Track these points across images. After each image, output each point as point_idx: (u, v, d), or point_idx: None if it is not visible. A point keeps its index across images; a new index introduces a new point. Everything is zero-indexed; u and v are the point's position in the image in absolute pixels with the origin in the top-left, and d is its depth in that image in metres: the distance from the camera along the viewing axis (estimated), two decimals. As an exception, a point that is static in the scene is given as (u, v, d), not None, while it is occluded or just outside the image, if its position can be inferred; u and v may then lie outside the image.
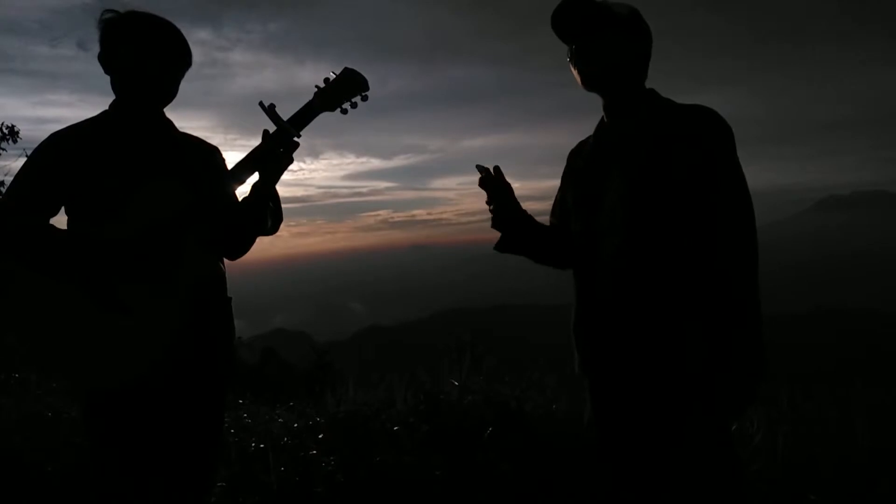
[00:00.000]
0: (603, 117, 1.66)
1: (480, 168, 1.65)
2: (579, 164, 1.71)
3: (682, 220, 1.46)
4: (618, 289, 1.52)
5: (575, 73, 1.59)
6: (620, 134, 1.59)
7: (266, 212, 1.69)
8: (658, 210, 1.47)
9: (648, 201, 1.48)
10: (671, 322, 1.46)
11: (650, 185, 1.47)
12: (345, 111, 1.64)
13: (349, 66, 1.63)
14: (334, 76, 1.62)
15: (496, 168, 1.66)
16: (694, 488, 1.48)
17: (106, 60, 1.60)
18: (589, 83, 1.59)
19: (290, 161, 1.63)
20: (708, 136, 1.47)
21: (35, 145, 1.58)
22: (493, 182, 1.64)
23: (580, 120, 1.75)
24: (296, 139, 1.60)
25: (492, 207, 1.66)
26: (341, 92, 1.62)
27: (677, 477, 1.50)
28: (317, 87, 1.61)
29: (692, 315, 1.45)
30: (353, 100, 1.63)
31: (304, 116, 1.60)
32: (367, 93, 1.64)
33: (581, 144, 1.76)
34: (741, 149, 1.50)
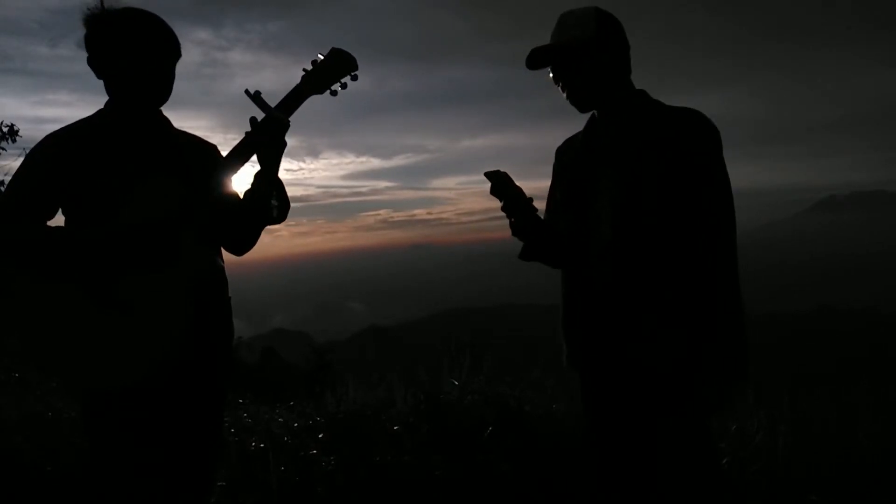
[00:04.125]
0: (594, 114, 1.68)
1: (489, 175, 1.62)
2: (567, 162, 1.73)
3: (668, 220, 1.49)
4: (605, 287, 1.55)
5: (564, 96, 1.63)
6: (611, 134, 1.61)
7: (269, 200, 1.66)
8: (645, 210, 1.50)
9: (636, 201, 1.51)
10: (653, 320, 1.49)
11: (639, 185, 1.50)
12: (334, 93, 1.62)
13: (336, 47, 1.61)
14: (322, 58, 1.60)
15: (504, 174, 1.63)
16: (674, 486, 1.50)
17: (97, 65, 1.58)
18: (583, 109, 1.64)
19: (284, 144, 1.60)
20: (695, 138, 1.50)
21: (30, 149, 1.57)
22: (505, 189, 1.62)
23: (580, 120, 1.75)
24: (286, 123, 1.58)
25: (509, 216, 1.63)
26: (330, 73, 1.59)
27: (659, 472, 1.52)
28: (304, 70, 1.59)
29: (674, 314, 1.48)
30: (343, 80, 1.61)
31: (293, 101, 1.58)
32: (356, 72, 1.62)
33: (569, 141, 1.77)
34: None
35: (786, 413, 3.05)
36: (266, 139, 1.57)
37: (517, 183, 1.62)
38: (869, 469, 2.56)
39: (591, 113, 1.69)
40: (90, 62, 1.58)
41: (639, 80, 1.64)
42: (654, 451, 1.53)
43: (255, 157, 1.60)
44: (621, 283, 1.52)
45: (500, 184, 1.61)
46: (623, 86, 1.61)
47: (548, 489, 2.61)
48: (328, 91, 1.61)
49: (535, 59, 1.59)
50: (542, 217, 1.76)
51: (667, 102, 1.61)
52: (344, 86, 1.62)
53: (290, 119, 1.58)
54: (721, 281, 1.45)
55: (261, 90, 1.56)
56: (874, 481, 2.48)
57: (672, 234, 1.49)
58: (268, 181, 1.62)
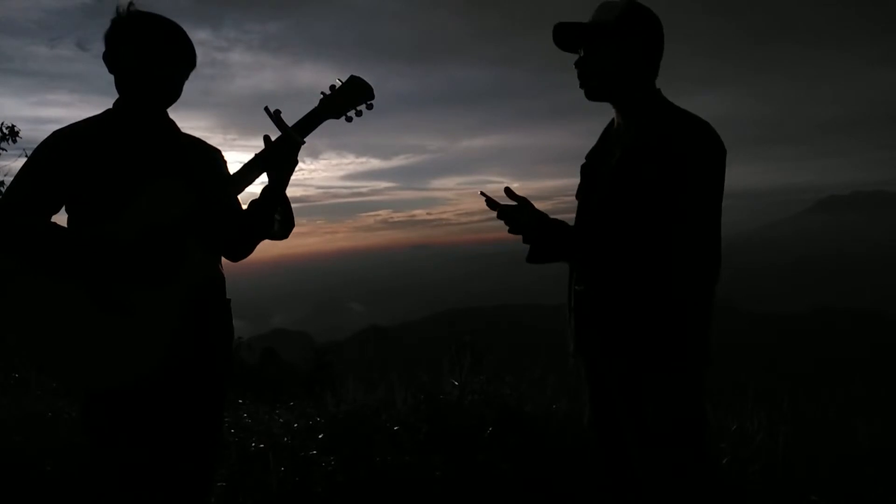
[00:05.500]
0: (613, 119, 1.69)
1: (484, 195, 1.66)
2: (583, 167, 1.77)
3: (649, 221, 1.48)
4: (592, 283, 1.60)
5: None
6: (613, 139, 1.64)
7: (273, 216, 1.69)
8: (627, 211, 1.51)
9: (622, 209, 1.53)
10: (623, 322, 1.53)
11: (624, 192, 1.52)
12: (349, 119, 1.65)
13: (355, 75, 1.64)
14: (340, 83, 1.62)
15: (507, 189, 1.66)
16: (659, 477, 1.51)
17: (111, 60, 1.60)
18: (590, 96, 1.62)
19: (296, 163, 1.63)
20: (685, 145, 1.45)
21: (34, 145, 1.58)
22: (497, 202, 1.65)
23: (579, 121, 1.77)
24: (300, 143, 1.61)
25: (506, 224, 1.66)
26: (346, 100, 1.62)
27: (648, 468, 1.53)
28: (322, 93, 1.61)
29: (639, 321, 1.50)
30: (359, 108, 1.64)
31: (309, 123, 1.61)
32: (371, 101, 1.65)
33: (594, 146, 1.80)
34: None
35: (786, 413, 3.06)
36: (280, 156, 1.59)
37: (517, 183, 1.65)
38: (869, 469, 2.56)
39: (605, 118, 1.72)
40: (106, 57, 1.60)
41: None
42: (644, 442, 1.53)
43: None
44: (598, 284, 1.58)
45: (493, 200, 1.65)
46: (640, 86, 1.58)
47: (548, 489, 2.61)
48: (343, 117, 1.63)
49: (559, 37, 1.60)
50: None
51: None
52: (359, 113, 1.65)
53: (305, 140, 1.60)
54: (683, 303, 1.43)
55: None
56: (874, 481, 2.48)
57: (648, 241, 1.48)
58: (275, 197, 1.65)
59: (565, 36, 1.60)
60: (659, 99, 1.58)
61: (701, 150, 1.46)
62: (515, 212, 1.62)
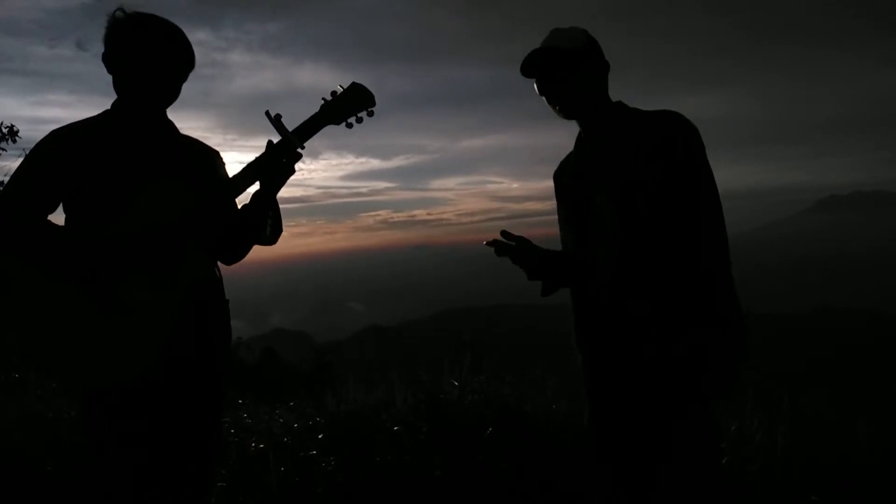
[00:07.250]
0: (580, 133, 1.75)
1: (490, 244, 1.68)
2: (566, 183, 1.78)
3: (665, 221, 1.54)
4: (617, 292, 1.59)
5: (547, 104, 1.69)
6: (600, 147, 1.67)
7: (265, 220, 1.70)
8: (645, 215, 1.55)
9: (635, 209, 1.56)
10: (666, 319, 1.55)
11: (634, 193, 1.56)
12: (350, 125, 1.65)
13: (356, 81, 1.64)
14: (341, 90, 1.63)
15: (503, 232, 1.70)
16: (676, 485, 1.53)
17: (110, 60, 1.60)
18: (566, 115, 1.70)
19: (293, 171, 1.64)
20: (681, 139, 1.56)
21: (34, 145, 1.58)
22: (508, 248, 1.67)
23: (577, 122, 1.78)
24: (299, 150, 1.61)
25: (521, 267, 1.70)
26: (347, 106, 1.63)
27: (660, 473, 1.56)
28: (323, 99, 1.62)
29: (682, 310, 1.54)
30: (359, 115, 1.65)
31: (309, 128, 1.61)
32: (372, 108, 1.65)
33: (563, 163, 1.84)
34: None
35: (785, 413, 3.06)
36: (279, 161, 1.59)
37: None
38: (869, 469, 2.56)
39: (577, 133, 1.76)
40: (105, 58, 1.60)
41: (640, 79, 1.68)
42: (658, 453, 1.56)
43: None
44: (633, 286, 1.57)
45: (502, 245, 1.67)
46: (605, 100, 1.70)
47: (548, 489, 2.61)
48: (344, 123, 1.64)
49: (531, 64, 1.66)
50: (549, 247, 1.82)
51: (669, 102, 1.65)
52: (360, 120, 1.65)
53: (304, 145, 1.61)
54: (719, 274, 1.52)
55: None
56: (874, 481, 2.48)
57: (671, 236, 1.54)
58: (268, 201, 1.66)
59: (543, 62, 1.64)
60: (624, 107, 1.68)
61: (698, 141, 1.57)
62: (520, 260, 1.68)
